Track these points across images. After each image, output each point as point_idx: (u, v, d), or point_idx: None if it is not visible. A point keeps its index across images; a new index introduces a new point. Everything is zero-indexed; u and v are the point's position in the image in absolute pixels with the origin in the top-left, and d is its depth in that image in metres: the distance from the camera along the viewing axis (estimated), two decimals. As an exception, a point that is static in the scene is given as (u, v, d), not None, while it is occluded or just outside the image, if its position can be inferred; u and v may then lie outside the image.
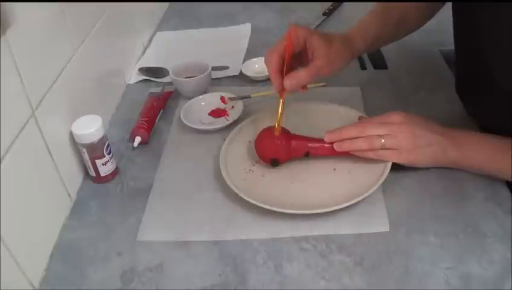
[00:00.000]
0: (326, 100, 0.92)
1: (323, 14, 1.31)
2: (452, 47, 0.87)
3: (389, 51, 0.95)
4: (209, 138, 0.90)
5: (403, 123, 0.74)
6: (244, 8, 1.39)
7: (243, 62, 1.10)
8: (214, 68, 1.07)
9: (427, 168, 0.76)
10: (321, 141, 0.77)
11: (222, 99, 0.97)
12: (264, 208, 0.71)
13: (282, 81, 0.74)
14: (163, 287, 0.66)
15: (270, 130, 0.78)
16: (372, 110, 0.91)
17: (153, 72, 1.11)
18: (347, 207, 0.70)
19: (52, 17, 0.78)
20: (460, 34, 0.82)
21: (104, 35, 0.98)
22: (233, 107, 0.96)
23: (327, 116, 0.87)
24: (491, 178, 0.75)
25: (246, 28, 1.29)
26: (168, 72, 1.07)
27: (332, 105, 0.90)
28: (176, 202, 0.78)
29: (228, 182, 0.76)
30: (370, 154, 0.75)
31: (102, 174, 0.82)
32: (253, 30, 1.27)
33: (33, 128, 0.69)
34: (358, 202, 0.71)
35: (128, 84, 1.09)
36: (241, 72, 1.08)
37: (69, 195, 0.79)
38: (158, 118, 0.95)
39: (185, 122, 0.91)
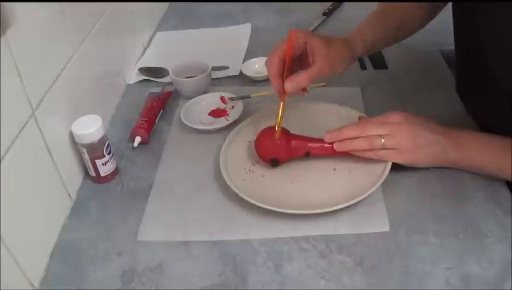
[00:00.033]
0: (326, 100, 0.92)
1: (323, 14, 1.31)
2: (452, 47, 0.87)
3: (389, 51, 0.95)
4: (209, 138, 0.90)
5: (403, 123, 0.74)
6: (244, 8, 1.39)
7: (243, 62, 1.10)
8: (214, 68, 1.07)
9: (427, 168, 0.76)
10: (321, 141, 0.77)
11: (222, 99, 0.97)
12: (264, 208, 0.71)
13: (282, 85, 0.74)
14: (163, 287, 0.66)
15: (270, 130, 0.78)
16: (372, 110, 0.91)
17: (153, 72, 1.11)
18: (347, 207, 0.70)
19: (52, 17, 0.78)
20: (461, 34, 0.82)
21: (104, 35, 0.98)
22: (233, 107, 0.96)
23: (327, 116, 0.87)
24: (491, 178, 0.75)
25: (245, 28, 1.29)
26: (168, 72, 1.07)
27: (332, 105, 0.90)
28: (176, 202, 0.78)
29: (228, 182, 0.76)
30: (370, 154, 0.75)
31: (102, 174, 0.82)
32: (253, 30, 1.27)
33: (33, 128, 0.69)
34: (358, 202, 0.71)
35: (128, 84, 1.09)
36: (241, 72, 1.08)
37: (69, 195, 0.79)
38: (158, 118, 0.95)
39: (185, 122, 0.91)
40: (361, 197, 0.71)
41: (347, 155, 0.76)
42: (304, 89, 0.77)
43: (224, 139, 0.85)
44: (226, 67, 1.11)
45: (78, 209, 0.79)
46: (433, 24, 0.92)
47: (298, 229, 0.71)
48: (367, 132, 0.74)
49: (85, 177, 0.84)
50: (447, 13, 0.86)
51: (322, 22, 1.28)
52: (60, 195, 0.77)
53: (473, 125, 0.85)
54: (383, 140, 0.73)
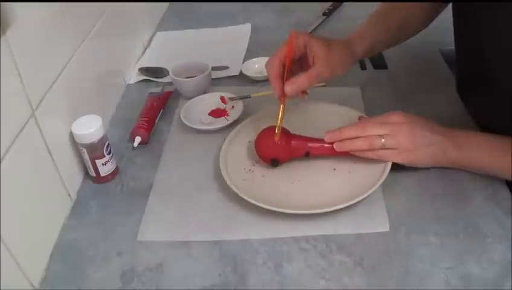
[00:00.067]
0: (326, 100, 0.92)
1: (323, 14, 1.31)
2: (452, 47, 0.87)
3: (389, 51, 0.95)
4: (209, 138, 0.90)
5: (403, 123, 0.74)
6: (244, 8, 1.39)
7: (243, 62, 1.10)
8: (214, 68, 1.07)
9: (427, 168, 0.76)
10: (321, 141, 0.77)
11: (222, 99, 0.97)
12: (264, 208, 0.71)
13: (282, 87, 0.74)
14: (163, 287, 0.66)
15: (270, 130, 0.78)
16: (372, 110, 0.91)
17: (153, 72, 1.11)
18: (347, 207, 0.70)
19: (52, 17, 0.78)
20: (461, 34, 0.82)
21: (104, 35, 0.98)
22: (233, 107, 0.96)
23: (327, 116, 0.87)
24: (491, 178, 0.75)
25: (245, 28, 1.28)
26: (168, 72, 1.07)
27: (332, 105, 0.90)
28: (176, 202, 0.78)
29: (228, 182, 0.76)
30: (370, 154, 0.75)
31: (102, 174, 0.82)
32: (253, 30, 1.27)
33: (33, 128, 0.69)
34: (358, 202, 0.71)
35: (128, 84, 1.09)
36: (241, 72, 1.08)
37: (69, 195, 0.79)
38: (158, 118, 0.95)
39: (185, 122, 0.91)
40: (361, 197, 0.71)
41: (347, 155, 0.76)
42: (304, 92, 0.78)
43: (224, 139, 0.85)
44: (226, 67, 1.11)
45: (78, 209, 0.79)
46: (433, 24, 0.92)
47: (298, 229, 0.71)
48: (367, 132, 0.74)
49: (85, 177, 0.84)
50: (447, 13, 0.86)
51: (322, 22, 1.28)
52: (60, 195, 0.77)
53: (473, 125, 0.85)
54: (383, 140, 0.73)
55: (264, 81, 1.04)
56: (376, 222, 0.71)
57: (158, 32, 1.31)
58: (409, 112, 0.76)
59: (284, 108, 0.77)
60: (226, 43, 1.23)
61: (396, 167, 0.75)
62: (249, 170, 0.80)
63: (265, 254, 0.69)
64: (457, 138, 0.74)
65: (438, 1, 0.88)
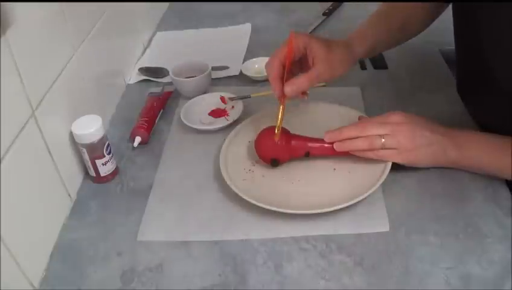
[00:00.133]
0: (326, 100, 0.92)
1: (323, 14, 1.31)
2: (452, 47, 0.87)
3: (389, 51, 0.95)
4: (209, 138, 0.90)
5: (403, 123, 0.74)
6: (244, 8, 1.39)
7: (243, 62, 1.10)
8: (214, 68, 1.07)
9: (427, 168, 0.76)
10: (321, 141, 0.77)
11: (222, 99, 0.97)
12: (264, 208, 0.71)
13: (282, 88, 0.74)
14: (163, 287, 0.66)
15: (270, 130, 0.78)
16: (372, 110, 0.91)
17: (153, 72, 1.11)
18: (347, 207, 0.70)
19: (52, 17, 0.78)
20: (461, 34, 0.82)
21: (104, 36, 0.98)
22: (233, 107, 0.96)
23: (327, 116, 0.87)
24: (491, 178, 0.75)
25: (245, 28, 1.28)
26: (168, 72, 1.07)
27: (332, 105, 0.90)
28: (176, 202, 0.78)
29: (228, 182, 0.76)
30: (370, 154, 0.75)
31: (102, 174, 0.82)
32: (253, 30, 1.27)
33: (33, 128, 0.69)
34: (358, 202, 0.71)
35: (128, 84, 1.09)
36: (241, 72, 1.08)
37: (69, 195, 0.79)
38: (158, 118, 0.95)
39: (185, 122, 0.91)
40: (361, 197, 0.71)
41: (347, 155, 0.76)
42: (304, 93, 0.78)
43: (224, 139, 0.85)
44: (226, 67, 1.11)
45: (78, 209, 0.79)
46: (433, 24, 0.92)
47: (298, 229, 0.71)
48: (367, 132, 0.74)
49: (85, 177, 0.84)
50: (447, 13, 0.86)
51: (322, 22, 1.28)
52: (60, 195, 0.77)
53: (473, 125, 0.85)
54: (383, 140, 0.73)
55: (264, 81, 1.04)
56: (376, 222, 0.71)
57: (158, 32, 1.31)
58: (409, 112, 0.76)
59: (283, 109, 0.77)
60: (226, 43, 1.23)
61: (396, 167, 0.75)
62: (249, 170, 0.80)
63: (265, 254, 0.69)
64: (457, 138, 0.74)
65: (439, 1, 0.88)
